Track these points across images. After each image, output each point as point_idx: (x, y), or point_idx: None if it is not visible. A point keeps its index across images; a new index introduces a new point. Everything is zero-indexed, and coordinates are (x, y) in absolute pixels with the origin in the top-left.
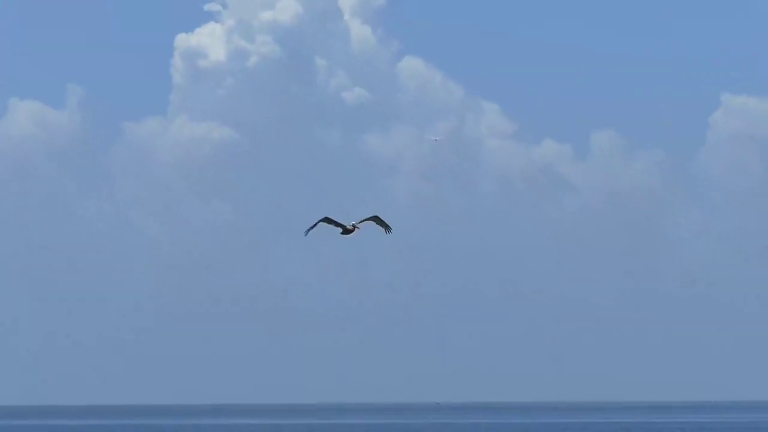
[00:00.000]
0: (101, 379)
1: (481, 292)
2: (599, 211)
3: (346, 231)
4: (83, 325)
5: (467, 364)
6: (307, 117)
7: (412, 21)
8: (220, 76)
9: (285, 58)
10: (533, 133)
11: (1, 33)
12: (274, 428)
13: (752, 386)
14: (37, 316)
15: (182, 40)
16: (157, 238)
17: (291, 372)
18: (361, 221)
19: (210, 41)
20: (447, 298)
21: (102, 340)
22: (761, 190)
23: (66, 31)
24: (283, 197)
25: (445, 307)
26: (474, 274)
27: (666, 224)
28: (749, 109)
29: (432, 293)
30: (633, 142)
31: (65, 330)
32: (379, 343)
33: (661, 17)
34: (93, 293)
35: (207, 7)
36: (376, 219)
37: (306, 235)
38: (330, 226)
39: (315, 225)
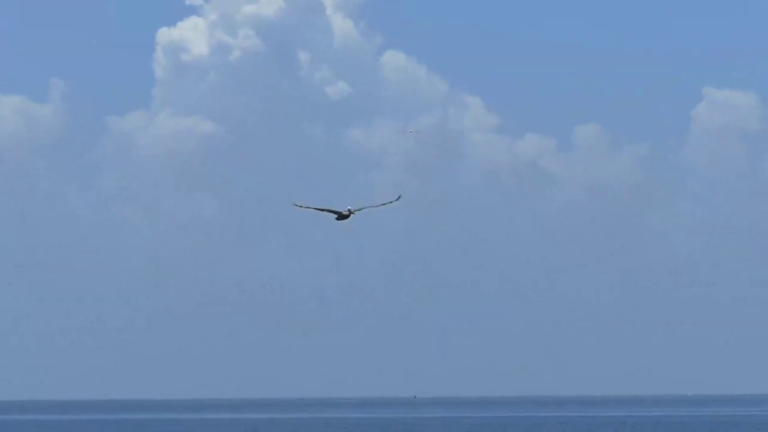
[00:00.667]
0: (88, 373)
1: (465, 285)
2: (584, 205)
3: (342, 216)
4: (69, 318)
5: (447, 358)
6: (291, 111)
7: (395, 15)
8: (203, 70)
9: (268, 52)
10: (517, 127)
11: None
12: (250, 423)
13: (738, 379)
14: (22, 310)
15: (164, 34)
16: (142, 231)
17: (271, 367)
18: (358, 209)
19: (192, 35)
20: (430, 292)
21: (88, 333)
22: (745, 183)
23: (48, 26)
24: (266, 191)
25: (427, 301)
26: (458, 267)
27: (650, 217)
28: (732, 103)
29: (414, 286)
30: (617, 136)
31: (50, 324)
32: (362, 337)
33: (645, 14)
34: (77, 286)
35: (189, 1)
36: (377, 205)
37: (294, 205)
38: (325, 213)
39: (309, 207)
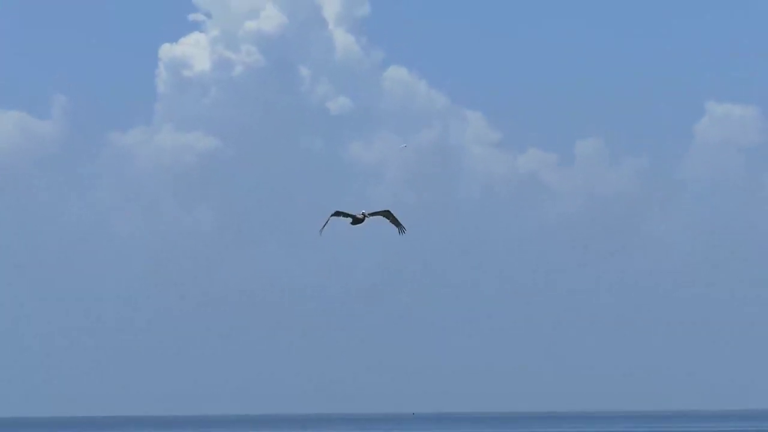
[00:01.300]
0: (88, 387)
1: (466, 300)
2: (584, 219)
3: (356, 220)
4: (68, 331)
5: (444, 373)
6: (292, 125)
7: (396, 30)
8: (205, 85)
9: (269, 67)
10: (518, 142)
11: None
12: None
13: (738, 394)
14: (21, 323)
15: (167, 50)
16: (142, 247)
17: (259, 383)
18: (373, 213)
19: (194, 51)
20: (430, 306)
21: (87, 347)
22: (745, 198)
23: (50, 41)
24: (267, 206)
25: (427, 315)
26: (458, 282)
27: (651, 231)
28: (733, 116)
29: (414, 301)
30: (618, 150)
31: (50, 336)
32: (357, 351)
33: (646, 26)
34: (77, 302)
35: (191, 17)
36: (388, 214)
37: (321, 233)
38: (340, 218)
39: (327, 222)
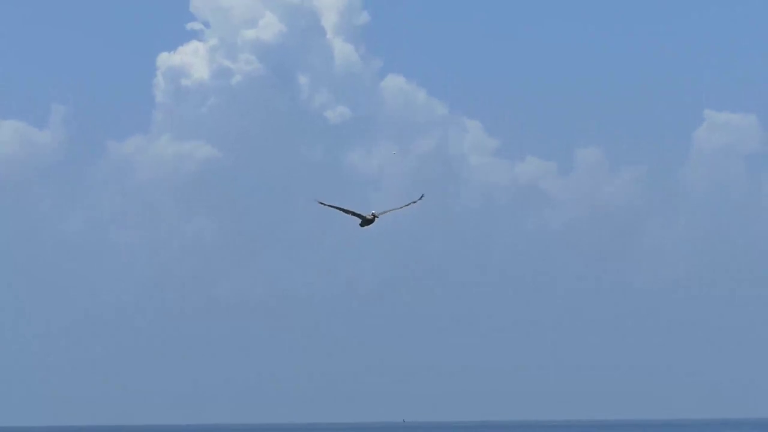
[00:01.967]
0: (87, 398)
1: (465, 309)
2: (584, 228)
3: (366, 221)
4: (68, 341)
5: (437, 382)
6: (291, 134)
7: (395, 39)
8: (204, 94)
9: (268, 76)
10: (517, 150)
11: None
12: None
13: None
14: (20, 329)
15: (165, 59)
16: (142, 256)
17: (267, 391)
18: (384, 212)
19: (193, 60)
20: (429, 315)
21: (87, 356)
22: (745, 205)
23: (49, 51)
24: (266, 215)
25: (427, 324)
26: (458, 291)
27: (651, 240)
28: (732, 125)
29: (413, 310)
30: (617, 158)
31: (49, 343)
32: (356, 357)
33: (644, 35)
34: (77, 311)
35: (189, 26)
36: (400, 207)
37: (318, 203)
38: (349, 215)
39: (334, 206)
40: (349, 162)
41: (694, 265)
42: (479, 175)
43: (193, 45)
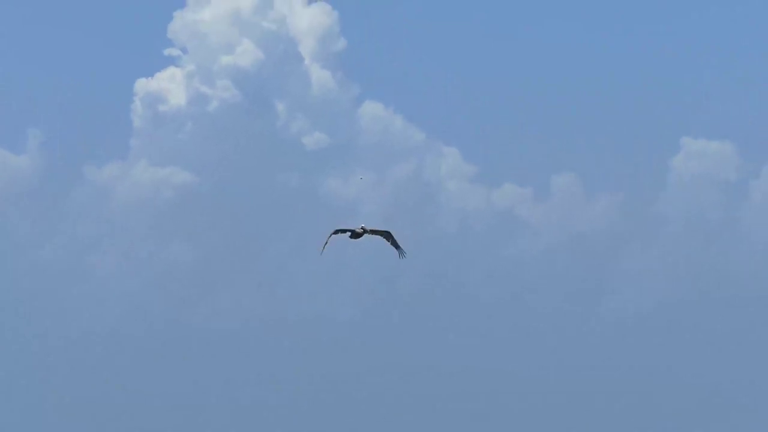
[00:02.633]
0: (66, 426)
1: (443, 336)
2: (560, 254)
3: (356, 235)
4: (44, 369)
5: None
6: (267, 161)
7: (372, 66)
8: (181, 120)
9: (245, 102)
10: (494, 177)
11: None
12: None
13: None
14: None
15: (142, 84)
16: (118, 282)
17: (237, 420)
18: (373, 230)
19: (170, 86)
20: (408, 342)
21: (62, 385)
22: (722, 233)
23: (25, 75)
24: (242, 241)
25: (404, 349)
26: (434, 319)
27: (628, 267)
28: (708, 152)
29: (390, 339)
30: (593, 185)
31: (24, 372)
32: (336, 382)
33: (620, 61)
34: (53, 340)
35: (167, 51)
36: (389, 236)
37: (321, 253)
38: (339, 235)
39: (327, 241)
40: (326, 188)
41: (671, 293)
42: (456, 201)
43: (170, 71)
